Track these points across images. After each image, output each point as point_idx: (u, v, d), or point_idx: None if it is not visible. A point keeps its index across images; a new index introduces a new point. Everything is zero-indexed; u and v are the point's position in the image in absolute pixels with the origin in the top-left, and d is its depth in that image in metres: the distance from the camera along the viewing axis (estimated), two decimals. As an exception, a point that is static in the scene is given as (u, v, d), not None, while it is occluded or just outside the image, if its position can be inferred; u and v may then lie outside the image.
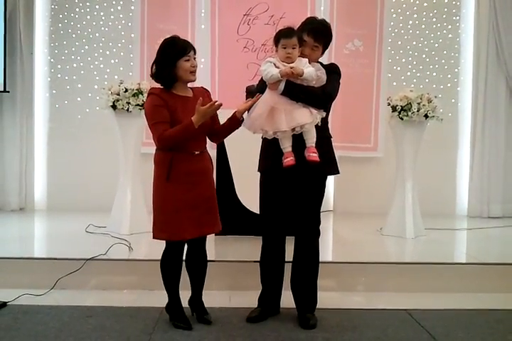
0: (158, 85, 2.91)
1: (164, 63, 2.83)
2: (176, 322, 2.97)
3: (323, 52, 3.04)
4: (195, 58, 2.88)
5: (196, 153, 2.88)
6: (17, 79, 5.67)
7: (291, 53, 2.87)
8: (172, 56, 2.81)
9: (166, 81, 2.86)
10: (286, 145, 2.92)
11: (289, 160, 2.89)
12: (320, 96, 2.91)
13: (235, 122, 2.95)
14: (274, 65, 2.87)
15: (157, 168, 2.91)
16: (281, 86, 2.85)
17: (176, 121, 2.79)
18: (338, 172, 3.15)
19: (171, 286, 2.98)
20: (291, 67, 2.81)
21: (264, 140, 3.09)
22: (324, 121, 3.00)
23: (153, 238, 2.91)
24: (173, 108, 2.81)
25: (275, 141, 2.95)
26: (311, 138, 2.90)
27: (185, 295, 3.05)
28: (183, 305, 3.02)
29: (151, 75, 2.89)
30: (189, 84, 2.96)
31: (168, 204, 2.85)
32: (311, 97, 2.88)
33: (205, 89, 3.06)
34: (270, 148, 3.02)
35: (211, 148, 3.86)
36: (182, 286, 3.02)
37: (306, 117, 2.86)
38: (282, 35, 2.88)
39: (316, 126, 2.91)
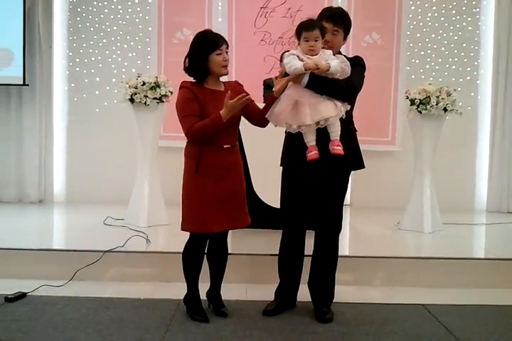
0: (189, 78, 2.90)
1: (196, 57, 2.83)
2: (193, 314, 2.98)
3: (345, 39, 3.01)
4: (227, 52, 2.87)
5: (226, 147, 2.88)
6: (36, 73, 5.73)
7: (314, 46, 2.83)
8: (204, 50, 2.81)
9: (198, 75, 2.87)
10: (311, 139, 2.88)
11: (312, 154, 2.86)
12: (345, 89, 2.87)
13: (274, 101, 2.91)
14: (298, 57, 2.83)
15: (187, 160, 2.91)
16: (305, 79, 2.81)
17: (205, 115, 2.80)
18: (363, 167, 3.11)
19: (191, 278, 2.99)
20: (316, 64, 2.76)
21: (288, 134, 3.07)
22: (348, 114, 2.96)
23: (182, 230, 2.92)
24: (204, 102, 2.82)
25: (298, 136, 2.92)
26: (335, 131, 2.86)
27: (203, 288, 3.06)
28: (201, 298, 3.04)
29: (184, 69, 2.90)
30: (222, 78, 2.96)
31: (196, 197, 2.86)
32: (336, 89, 2.84)
33: (238, 83, 3.05)
34: (293, 143, 3.01)
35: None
36: (201, 278, 3.03)
37: (330, 110, 2.83)
38: (303, 28, 2.84)
39: (340, 120, 2.87)
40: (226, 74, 2.91)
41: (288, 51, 2.92)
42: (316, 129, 2.87)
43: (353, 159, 3.04)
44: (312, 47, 2.83)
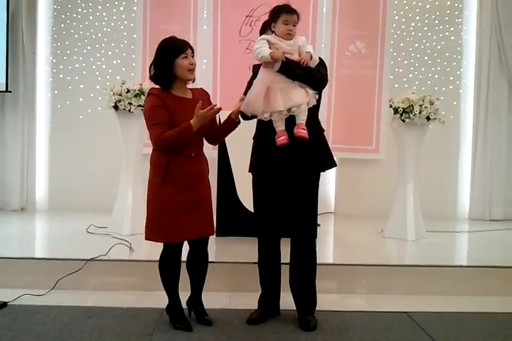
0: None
1: (162, 62, 2.81)
2: (176, 324, 2.96)
3: None
4: (193, 56, 2.85)
5: (193, 155, 2.87)
6: (19, 79, 5.67)
7: (292, 30, 2.84)
8: (169, 55, 2.79)
9: (164, 81, 2.83)
10: (279, 124, 2.87)
11: (282, 138, 2.85)
12: (316, 75, 2.87)
13: (231, 123, 2.93)
14: (269, 42, 2.82)
15: (153, 168, 2.89)
16: (278, 63, 2.79)
17: (175, 123, 2.78)
18: (334, 165, 3.11)
19: (170, 287, 2.97)
20: (290, 54, 2.78)
21: (255, 140, 3.09)
22: (315, 114, 2.98)
23: (146, 239, 2.90)
24: (172, 109, 2.79)
25: (266, 141, 2.94)
26: (302, 116, 2.85)
27: (185, 297, 3.04)
28: (183, 306, 3.02)
29: (149, 77, 2.88)
30: (189, 85, 2.94)
31: (164, 206, 2.82)
32: (308, 74, 2.83)
33: (205, 91, 3.03)
34: (261, 148, 3.02)
35: (212, 149, 3.86)
36: (182, 287, 3.02)
37: (302, 97, 2.83)
38: (284, 10, 2.84)
39: (307, 121, 2.86)
40: (192, 79, 2.87)
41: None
42: (285, 119, 2.86)
43: (322, 160, 3.03)
44: (290, 31, 2.84)
